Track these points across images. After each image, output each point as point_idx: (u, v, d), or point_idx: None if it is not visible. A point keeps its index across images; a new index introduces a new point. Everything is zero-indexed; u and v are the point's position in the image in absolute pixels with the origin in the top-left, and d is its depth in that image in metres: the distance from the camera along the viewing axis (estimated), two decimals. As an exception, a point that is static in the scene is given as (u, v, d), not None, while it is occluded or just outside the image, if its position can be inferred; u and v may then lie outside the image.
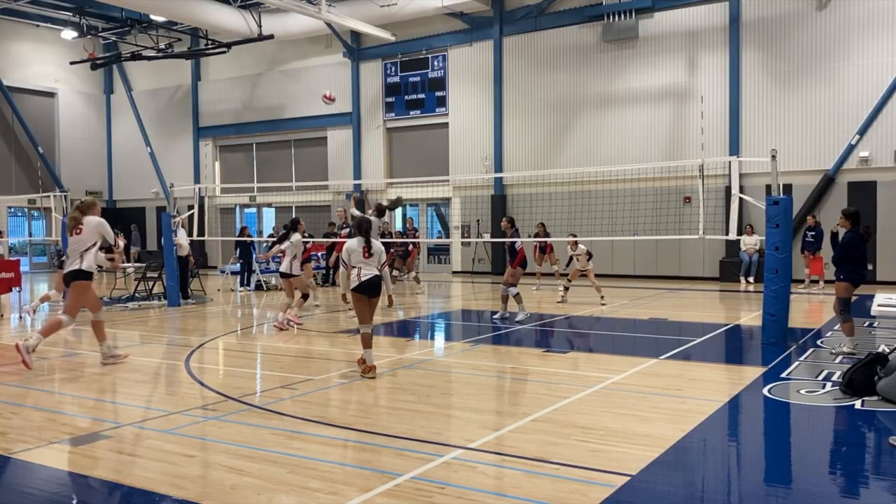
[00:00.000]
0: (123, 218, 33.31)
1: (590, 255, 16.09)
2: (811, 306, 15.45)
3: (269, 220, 30.48)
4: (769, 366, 9.02)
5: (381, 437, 6.23)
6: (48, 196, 22.88)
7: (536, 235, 19.51)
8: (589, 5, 23.14)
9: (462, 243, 25.57)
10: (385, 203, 15.20)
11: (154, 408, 7.49)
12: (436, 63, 26.06)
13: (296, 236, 13.08)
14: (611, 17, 22.63)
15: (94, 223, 9.36)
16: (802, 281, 18.59)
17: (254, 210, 31.44)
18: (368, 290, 8.61)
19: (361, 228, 8.80)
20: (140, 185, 32.76)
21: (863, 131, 19.74)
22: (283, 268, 12.95)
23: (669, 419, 6.67)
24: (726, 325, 13.01)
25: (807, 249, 18.70)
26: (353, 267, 8.62)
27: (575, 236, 16.48)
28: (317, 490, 4.99)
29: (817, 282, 18.63)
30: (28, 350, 9.08)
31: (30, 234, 31.60)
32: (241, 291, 19.86)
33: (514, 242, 13.79)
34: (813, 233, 18.53)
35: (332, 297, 17.64)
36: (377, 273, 8.65)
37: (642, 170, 21.35)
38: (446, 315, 15.33)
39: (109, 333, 10.02)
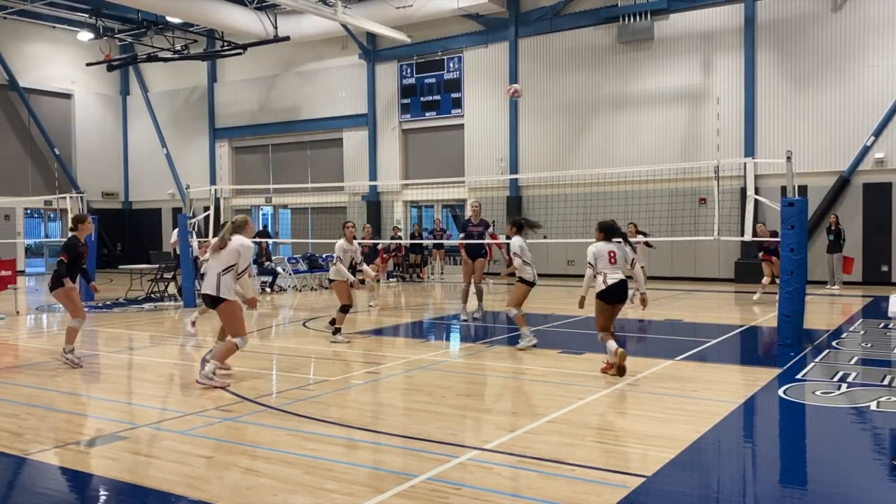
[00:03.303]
0: (139, 219, 33.54)
1: None
2: (828, 307, 15.35)
3: (286, 221, 30.59)
4: (784, 367, 8.98)
5: (397, 437, 6.25)
6: (64, 197, 23.01)
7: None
8: (604, 7, 23.09)
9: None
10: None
11: (170, 409, 7.54)
12: (451, 64, 26.08)
13: (340, 242, 11.78)
14: (626, 18, 22.58)
15: (235, 245, 8.20)
16: (825, 283, 18.56)
17: (269, 210, 31.54)
18: (614, 296, 8.50)
19: (614, 230, 8.64)
20: (156, 186, 32.91)
21: (878, 132, 19.60)
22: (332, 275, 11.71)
23: (685, 420, 6.65)
24: (741, 326, 12.96)
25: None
26: (599, 273, 8.49)
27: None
28: (333, 491, 5.01)
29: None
30: (209, 377, 8.15)
31: (46, 236, 31.83)
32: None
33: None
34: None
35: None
36: (623, 277, 8.52)
37: (657, 171, 21.29)
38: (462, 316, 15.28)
39: (126, 335, 10.07)
